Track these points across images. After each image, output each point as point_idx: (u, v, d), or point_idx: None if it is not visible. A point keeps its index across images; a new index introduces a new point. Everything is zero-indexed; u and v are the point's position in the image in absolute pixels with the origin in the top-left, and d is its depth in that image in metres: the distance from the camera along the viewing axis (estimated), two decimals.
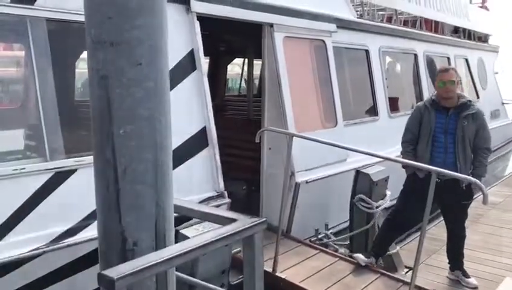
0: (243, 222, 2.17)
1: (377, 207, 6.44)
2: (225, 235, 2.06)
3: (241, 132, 7.40)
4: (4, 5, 4.07)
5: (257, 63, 9.72)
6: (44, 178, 4.25)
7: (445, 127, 5.40)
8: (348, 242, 6.85)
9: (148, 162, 2.00)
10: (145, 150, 1.99)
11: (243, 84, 12.62)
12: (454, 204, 5.51)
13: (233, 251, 4.95)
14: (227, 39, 8.33)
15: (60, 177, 4.32)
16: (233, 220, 2.18)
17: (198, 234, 3.57)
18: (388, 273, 5.74)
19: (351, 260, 5.97)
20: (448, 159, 5.37)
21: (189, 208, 2.43)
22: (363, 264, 5.81)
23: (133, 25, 1.94)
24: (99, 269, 2.00)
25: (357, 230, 6.56)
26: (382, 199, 6.56)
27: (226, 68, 11.49)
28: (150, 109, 1.98)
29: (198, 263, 4.33)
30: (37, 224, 4.13)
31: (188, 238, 4.08)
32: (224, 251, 4.60)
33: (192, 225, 4.51)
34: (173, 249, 1.93)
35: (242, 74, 12.54)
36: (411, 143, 5.60)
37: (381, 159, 6.13)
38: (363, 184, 6.52)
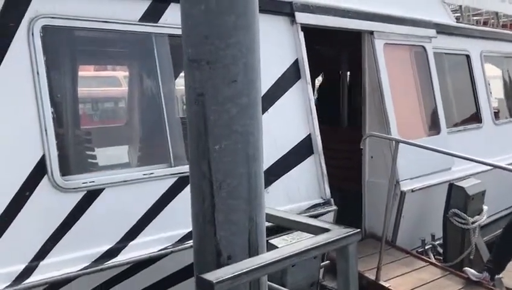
0: (337, 232, 2.16)
1: (473, 223, 6.13)
2: (319, 244, 2.07)
3: (333, 141, 7.36)
4: (133, 24, 4.38)
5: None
6: (169, 182, 4.48)
7: None
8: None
9: (242, 177, 2.04)
10: (239, 164, 2.03)
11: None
12: None
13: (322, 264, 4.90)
14: (320, 51, 8.30)
15: (183, 181, 4.49)
16: (326, 230, 2.19)
17: (287, 244, 3.58)
18: None
19: (462, 274, 5.76)
20: None
21: (281, 217, 2.46)
22: (475, 279, 5.58)
23: (228, 43, 2.00)
24: (195, 280, 2.08)
25: (451, 246, 6.31)
26: (478, 215, 6.25)
27: (314, 81, 11.43)
28: (244, 125, 2.03)
29: (286, 275, 4.28)
30: (164, 225, 4.36)
31: (277, 248, 4.11)
32: (312, 263, 4.52)
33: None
34: (268, 257, 1.96)
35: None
36: None
37: (490, 168, 5.89)
38: (458, 198, 6.24)
